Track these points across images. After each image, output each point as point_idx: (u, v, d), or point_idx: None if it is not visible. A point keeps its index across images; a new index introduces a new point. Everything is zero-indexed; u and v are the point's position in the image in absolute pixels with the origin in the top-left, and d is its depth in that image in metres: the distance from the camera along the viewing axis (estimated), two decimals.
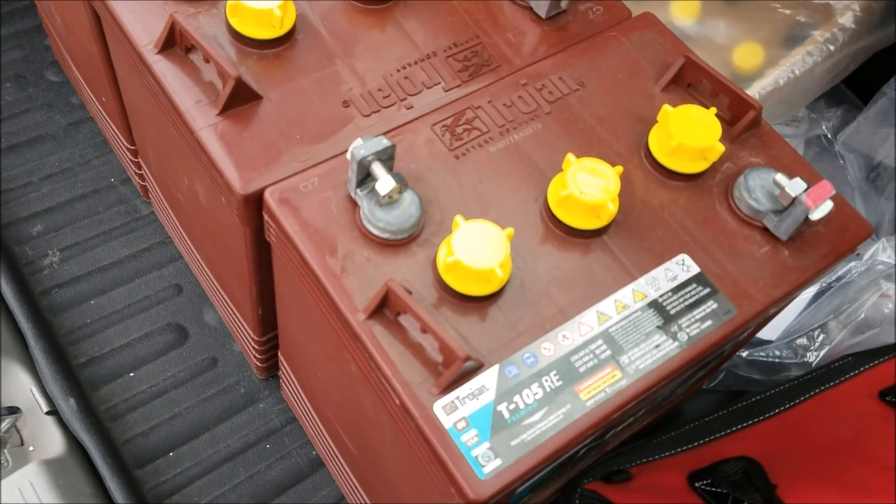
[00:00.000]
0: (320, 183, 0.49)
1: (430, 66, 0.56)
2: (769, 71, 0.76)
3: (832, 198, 0.48)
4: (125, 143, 0.76)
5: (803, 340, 0.74)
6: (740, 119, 0.54)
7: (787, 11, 0.79)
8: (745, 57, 0.83)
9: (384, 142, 0.46)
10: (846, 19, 0.75)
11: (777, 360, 0.74)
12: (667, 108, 0.52)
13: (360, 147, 0.46)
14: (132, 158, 0.78)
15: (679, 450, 0.62)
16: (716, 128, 0.51)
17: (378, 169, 0.46)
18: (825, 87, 0.80)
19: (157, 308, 0.78)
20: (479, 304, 0.45)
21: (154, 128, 0.62)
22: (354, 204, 0.48)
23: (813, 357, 0.73)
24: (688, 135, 0.50)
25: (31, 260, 0.79)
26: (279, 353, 0.69)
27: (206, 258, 0.71)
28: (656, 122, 0.53)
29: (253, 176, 0.49)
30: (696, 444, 0.62)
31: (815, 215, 0.47)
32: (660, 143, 0.52)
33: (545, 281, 0.46)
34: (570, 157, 0.49)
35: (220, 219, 0.57)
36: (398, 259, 0.47)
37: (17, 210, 0.81)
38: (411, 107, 0.54)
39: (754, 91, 0.76)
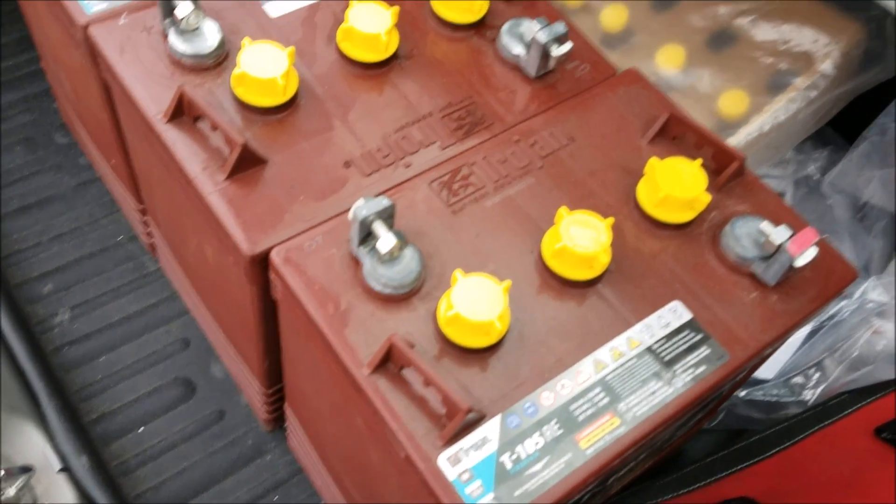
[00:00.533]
0: (324, 241, 0.51)
1: (426, 126, 0.58)
2: (754, 118, 0.79)
3: (817, 243, 0.50)
4: (134, 202, 0.79)
5: (799, 379, 0.75)
6: (725, 169, 0.57)
7: (769, 60, 0.82)
8: (730, 104, 0.85)
9: (384, 202, 0.48)
10: (826, 66, 0.78)
11: (774, 399, 0.76)
12: (654, 160, 0.54)
13: (362, 207, 0.48)
14: (140, 217, 0.80)
15: (682, 491, 0.63)
16: (701, 178, 0.53)
17: (379, 227, 0.48)
18: (810, 131, 0.82)
19: (166, 363, 0.80)
20: (479, 355, 0.47)
21: (163, 191, 0.65)
22: (357, 261, 0.50)
23: (810, 395, 0.74)
24: (675, 186, 0.53)
25: (43, 319, 0.80)
26: (285, 405, 0.70)
27: (214, 312, 0.73)
28: (644, 174, 0.55)
29: (259, 237, 0.51)
30: (698, 485, 0.63)
31: (800, 262, 0.49)
32: (648, 195, 0.54)
33: (543, 331, 0.48)
34: (563, 210, 0.51)
35: (228, 277, 0.59)
36: (400, 313, 0.48)
37: (27, 270, 0.83)
38: (409, 165, 0.56)
39: (741, 137, 0.78)
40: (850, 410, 0.67)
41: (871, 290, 0.71)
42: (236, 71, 0.54)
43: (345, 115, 0.57)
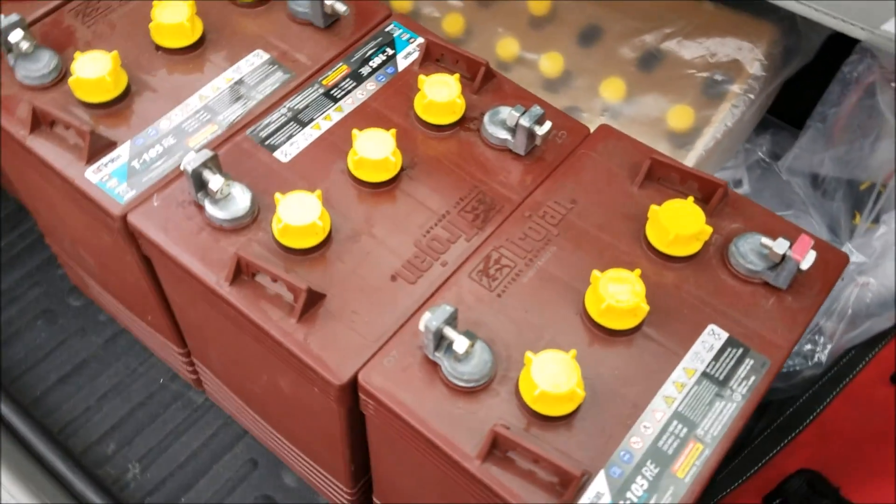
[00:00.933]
0: (399, 354, 0.57)
1: (448, 224, 0.65)
2: (706, 129, 0.88)
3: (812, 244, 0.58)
4: (175, 348, 0.83)
5: (808, 346, 0.84)
6: (712, 196, 0.65)
7: (704, 74, 0.91)
8: (678, 120, 0.94)
9: (448, 308, 0.55)
10: (755, 69, 0.88)
11: (792, 369, 0.84)
12: (654, 208, 0.62)
13: (432, 319, 0.54)
14: (183, 359, 0.85)
15: (744, 478, 0.70)
16: (699, 214, 0.61)
17: (450, 332, 0.55)
18: (754, 126, 0.92)
19: (242, 486, 0.85)
20: (566, 420, 0.54)
21: (222, 340, 0.70)
22: (434, 364, 0.56)
23: (822, 357, 0.83)
24: (680, 226, 0.60)
25: (116, 478, 0.84)
26: (374, 497, 0.76)
27: (284, 430, 0.78)
28: (647, 218, 0.63)
29: (342, 366, 0.57)
30: (755, 469, 0.71)
31: (805, 265, 0.57)
32: (658, 237, 0.62)
33: (611, 382, 0.55)
34: (595, 272, 0.58)
35: (309, 402, 0.65)
36: (486, 400, 0.55)
37: (87, 436, 0.87)
38: (446, 263, 0.63)
39: (699, 150, 0.87)
40: (861, 365, 0.76)
41: (850, 255, 0.80)
42: (278, 225, 0.60)
43: (374, 235, 0.64)
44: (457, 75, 0.69)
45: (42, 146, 0.65)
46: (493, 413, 0.54)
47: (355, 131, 0.65)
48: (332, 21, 0.75)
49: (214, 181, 0.61)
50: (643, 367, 0.56)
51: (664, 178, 0.67)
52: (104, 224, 0.66)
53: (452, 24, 1.09)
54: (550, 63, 1.03)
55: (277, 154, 0.67)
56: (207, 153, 0.60)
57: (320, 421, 0.66)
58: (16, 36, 0.66)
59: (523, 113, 0.66)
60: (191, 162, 0.60)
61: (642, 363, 0.56)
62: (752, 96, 0.87)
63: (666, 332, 0.58)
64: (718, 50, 0.91)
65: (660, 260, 0.63)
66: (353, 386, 0.57)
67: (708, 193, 0.65)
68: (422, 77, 0.69)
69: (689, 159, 0.87)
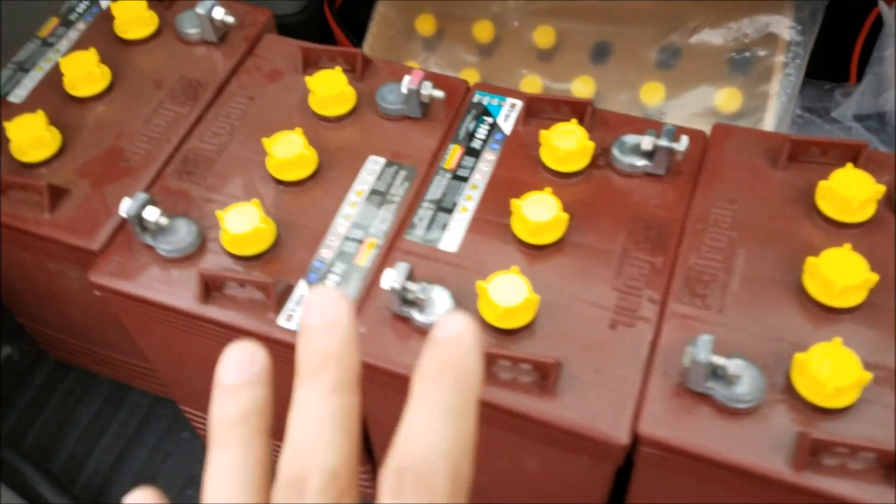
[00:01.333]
0: (662, 393, 0.57)
1: (632, 259, 0.65)
2: (769, 103, 0.92)
3: None
4: None
5: None
6: (858, 158, 0.67)
7: (744, 55, 0.95)
8: (726, 103, 0.98)
9: (706, 338, 0.55)
10: (792, 35, 0.92)
11: None
12: (823, 183, 0.64)
13: (699, 352, 0.54)
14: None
15: None
16: (866, 178, 0.63)
17: (718, 359, 0.55)
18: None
19: None
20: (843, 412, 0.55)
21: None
22: (697, 396, 0.57)
23: None
24: (853, 192, 0.63)
25: None
26: None
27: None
28: (814, 194, 0.65)
29: (619, 426, 0.56)
30: None
31: None
32: (834, 207, 0.64)
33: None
34: (811, 259, 0.60)
35: (563, 471, 0.64)
36: (762, 412, 0.56)
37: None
38: (652, 298, 0.63)
39: (768, 127, 0.91)
40: None
41: None
42: (493, 311, 0.59)
43: (572, 292, 0.64)
44: (573, 121, 0.70)
45: (217, 311, 0.63)
46: (769, 423, 0.55)
47: (515, 201, 0.65)
48: (426, 108, 0.75)
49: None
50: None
51: (804, 154, 0.69)
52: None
53: (469, 78, 1.11)
54: (584, 87, 1.05)
55: (443, 246, 0.67)
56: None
57: (576, 487, 0.65)
58: (152, 213, 0.64)
59: (661, 135, 0.67)
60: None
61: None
62: (799, 62, 0.91)
63: None
64: (748, 29, 0.95)
65: (835, 229, 0.65)
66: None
67: (852, 156, 0.68)
68: (543, 132, 0.70)
69: None
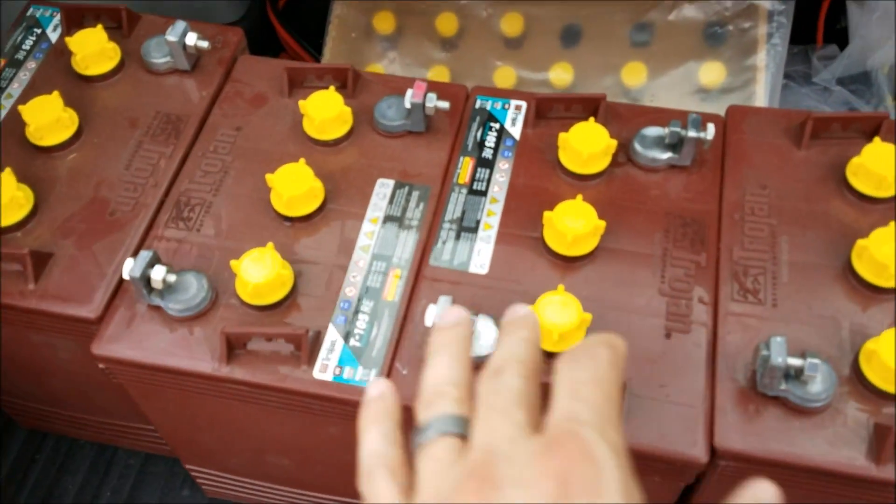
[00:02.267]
0: (730, 406, 0.55)
1: (674, 260, 0.63)
2: (759, 76, 0.90)
3: None
4: None
5: None
6: (877, 131, 0.66)
7: (727, 28, 0.93)
8: (711, 78, 0.96)
9: (779, 340, 0.53)
10: (774, 6, 0.90)
11: None
12: (854, 160, 0.63)
13: (776, 356, 0.52)
14: None
15: None
16: (890, 151, 0.62)
17: (794, 361, 0.53)
18: None
19: None
20: None
21: None
22: (769, 399, 0.54)
23: None
24: (885, 167, 0.61)
25: None
26: None
27: None
28: (844, 173, 0.64)
29: (696, 442, 0.54)
30: None
31: None
32: (865, 183, 0.63)
33: None
34: (860, 241, 0.58)
35: None
36: (833, 407, 0.54)
37: None
38: (703, 298, 0.61)
39: (761, 101, 0.89)
40: None
41: None
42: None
43: (617, 304, 0.61)
44: (592, 118, 0.67)
45: (243, 372, 0.58)
46: (843, 418, 0.53)
47: (549, 213, 0.62)
48: (429, 121, 0.71)
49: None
50: None
51: (825, 130, 0.68)
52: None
53: (439, 79, 1.07)
54: (564, 73, 1.02)
55: (473, 269, 0.63)
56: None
57: None
58: (159, 272, 0.58)
59: (687, 125, 0.65)
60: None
61: None
62: (783, 31, 0.89)
63: None
64: (728, 2, 0.93)
65: (871, 205, 0.63)
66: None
67: (872, 130, 0.66)
68: (562, 135, 0.66)
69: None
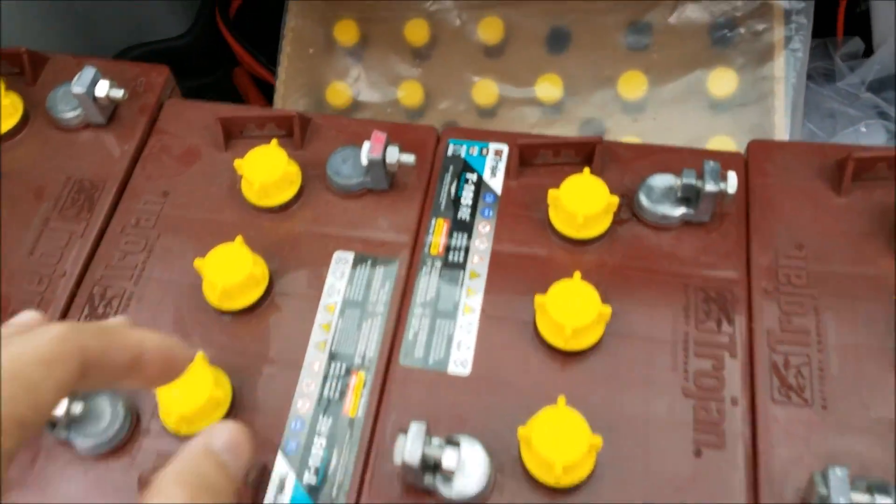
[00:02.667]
0: None
1: (698, 349, 0.51)
2: (776, 87, 0.78)
3: None
4: None
5: None
6: None
7: (738, 30, 0.81)
8: (720, 86, 0.84)
9: (841, 472, 0.42)
10: (792, 5, 0.78)
11: None
12: None
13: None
14: None
15: None
16: None
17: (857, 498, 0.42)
18: None
19: None
20: None
21: None
22: None
23: None
24: None
25: None
26: None
27: None
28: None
29: None
30: None
31: None
32: None
33: None
34: None
35: None
36: None
37: None
38: (735, 399, 0.49)
39: (781, 113, 0.77)
40: None
41: None
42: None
43: (634, 409, 0.49)
44: (587, 170, 0.55)
45: None
46: None
47: (540, 298, 0.50)
48: (392, 177, 0.59)
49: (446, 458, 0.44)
50: None
51: (868, 171, 0.56)
52: None
53: (412, 96, 0.95)
54: (552, 87, 0.90)
55: (452, 369, 0.51)
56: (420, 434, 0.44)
57: None
58: (60, 406, 0.46)
59: (704, 176, 0.53)
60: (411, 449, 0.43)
61: None
62: (803, 34, 0.77)
63: None
64: (738, 3, 0.81)
65: None
66: None
67: None
68: (552, 192, 0.55)
69: (779, 129, 0.76)
